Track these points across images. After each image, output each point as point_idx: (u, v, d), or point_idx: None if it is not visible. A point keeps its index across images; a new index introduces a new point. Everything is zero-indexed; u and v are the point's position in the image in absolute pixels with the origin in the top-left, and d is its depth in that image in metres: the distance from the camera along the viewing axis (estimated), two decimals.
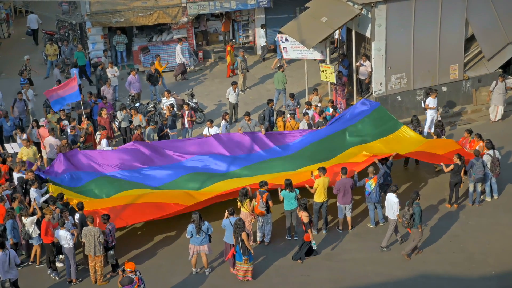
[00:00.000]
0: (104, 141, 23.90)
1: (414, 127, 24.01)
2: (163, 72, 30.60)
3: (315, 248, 19.42)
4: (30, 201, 20.23)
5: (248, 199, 19.61)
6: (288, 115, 25.43)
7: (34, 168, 21.44)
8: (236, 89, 27.76)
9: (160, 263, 19.80)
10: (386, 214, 20.06)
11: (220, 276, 19.15)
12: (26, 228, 19.20)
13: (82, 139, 24.51)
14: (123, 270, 16.58)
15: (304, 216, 18.94)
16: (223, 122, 25.36)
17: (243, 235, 18.19)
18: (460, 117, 28.11)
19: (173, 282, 18.87)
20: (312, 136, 23.54)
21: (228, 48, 32.55)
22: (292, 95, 27.17)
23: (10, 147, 22.90)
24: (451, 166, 21.20)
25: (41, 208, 19.82)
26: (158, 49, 33.52)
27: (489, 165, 21.55)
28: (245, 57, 31.43)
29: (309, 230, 18.97)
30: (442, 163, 21.51)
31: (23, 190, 20.64)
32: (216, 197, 20.77)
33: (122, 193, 21.16)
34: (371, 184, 20.36)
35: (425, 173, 23.41)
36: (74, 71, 29.82)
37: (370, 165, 20.74)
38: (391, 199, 19.57)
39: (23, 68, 30.74)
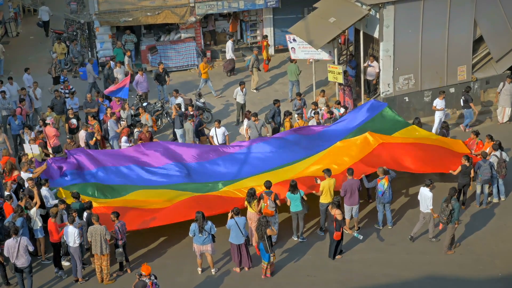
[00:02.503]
0: (124, 138, 24.09)
1: None
2: (171, 72, 30.69)
3: (361, 238, 19.59)
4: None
5: (256, 200, 19.63)
6: (296, 115, 25.45)
7: (43, 166, 21.45)
8: (244, 89, 27.76)
9: (166, 263, 19.83)
10: (420, 209, 20.11)
11: (226, 275, 19.17)
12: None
13: (98, 134, 24.66)
14: (140, 274, 16.57)
15: (337, 214, 18.96)
16: (246, 121, 25.47)
17: (269, 232, 18.34)
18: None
19: (179, 282, 18.89)
20: (320, 139, 23.53)
21: (265, 43, 32.80)
22: (299, 94, 27.19)
23: (29, 148, 23.00)
24: (459, 168, 21.14)
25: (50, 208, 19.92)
26: (166, 48, 33.56)
27: (495, 166, 21.50)
28: (258, 56, 31.48)
29: (341, 228, 19.03)
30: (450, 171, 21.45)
31: (22, 190, 20.68)
32: (219, 202, 20.71)
33: (129, 196, 21.22)
34: (383, 183, 20.30)
35: (432, 174, 23.30)
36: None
37: (380, 166, 20.68)
38: (425, 193, 19.75)
39: (52, 66, 30.95)
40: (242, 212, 19.31)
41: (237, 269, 19.25)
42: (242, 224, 18.73)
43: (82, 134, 24.69)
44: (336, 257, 19.65)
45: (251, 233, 20.13)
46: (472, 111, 26.65)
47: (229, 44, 32.66)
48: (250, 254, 19.24)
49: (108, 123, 25.14)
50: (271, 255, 18.53)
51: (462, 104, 26.70)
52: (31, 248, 18.29)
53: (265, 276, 18.89)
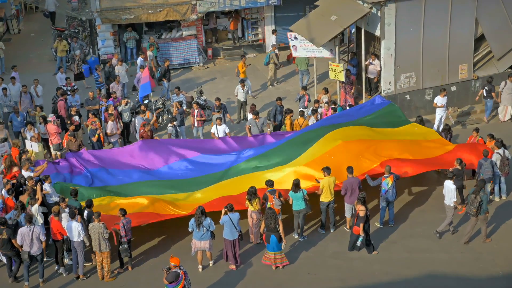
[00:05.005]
0: None
1: None
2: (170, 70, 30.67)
3: (359, 245, 19.59)
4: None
5: (257, 198, 19.69)
6: (299, 111, 25.51)
7: (44, 165, 21.46)
8: (245, 87, 27.78)
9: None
10: (444, 202, 20.19)
11: (226, 272, 19.20)
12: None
13: (99, 131, 24.78)
14: (168, 268, 16.65)
15: (360, 210, 19.04)
16: (250, 115, 25.69)
17: (281, 227, 18.66)
18: (469, 117, 28.06)
19: None
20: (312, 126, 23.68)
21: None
22: (304, 88, 27.19)
23: (29, 145, 23.05)
24: None
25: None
26: (167, 46, 33.56)
27: (498, 164, 21.49)
28: (277, 52, 31.47)
29: (361, 225, 19.13)
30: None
31: (21, 189, 20.73)
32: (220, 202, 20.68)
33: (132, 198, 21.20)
34: (388, 182, 20.28)
35: (434, 172, 23.33)
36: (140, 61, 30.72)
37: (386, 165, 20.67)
38: (449, 186, 19.88)
39: (75, 63, 30.98)
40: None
41: (233, 266, 19.30)
42: (236, 219, 18.86)
43: (109, 124, 24.96)
44: (373, 252, 19.74)
45: (251, 231, 20.20)
46: (493, 101, 26.79)
47: (273, 38, 32.74)
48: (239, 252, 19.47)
49: (136, 120, 25.37)
50: (284, 243, 18.83)
51: (485, 94, 26.86)
52: (42, 238, 18.54)
53: (279, 266, 19.03)
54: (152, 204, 20.49)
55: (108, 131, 24.93)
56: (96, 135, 24.48)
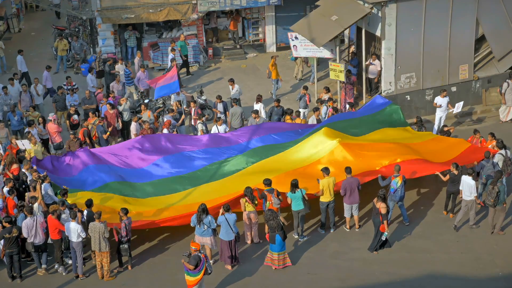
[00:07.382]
0: (165, 131, 24.39)
1: (419, 128, 24.06)
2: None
3: (384, 239, 19.61)
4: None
5: (255, 197, 19.74)
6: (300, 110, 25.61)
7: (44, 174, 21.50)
8: (236, 86, 27.76)
9: (167, 259, 19.85)
10: (462, 198, 20.37)
11: (225, 272, 19.20)
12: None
13: (110, 128, 24.90)
14: (189, 254, 17.00)
15: (382, 207, 19.11)
16: (255, 105, 25.93)
17: (283, 219, 18.82)
18: (469, 117, 28.05)
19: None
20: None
21: None
22: (306, 88, 27.19)
23: (21, 144, 23.03)
24: (448, 176, 20.99)
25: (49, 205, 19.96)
26: (168, 45, 33.50)
27: (500, 164, 21.46)
28: None
29: (385, 222, 19.23)
30: (437, 172, 21.18)
31: (24, 186, 20.76)
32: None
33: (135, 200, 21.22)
34: (397, 181, 20.25)
35: (428, 181, 23.27)
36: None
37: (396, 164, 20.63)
38: (468, 181, 20.05)
39: (96, 60, 31.10)
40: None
41: (229, 266, 19.33)
42: (232, 220, 18.89)
43: (133, 126, 24.94)
44: (373, 252, 19.76)
45: (250, 231, 20.22)
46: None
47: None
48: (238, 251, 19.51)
49: (165, 118, 25.40)
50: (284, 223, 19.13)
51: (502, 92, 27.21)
52: (44, 223, 18.83)
53: (284, 266, 19.08)
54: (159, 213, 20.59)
55: (134, 132, 24.78)
56: (108, 132, 24.52)
